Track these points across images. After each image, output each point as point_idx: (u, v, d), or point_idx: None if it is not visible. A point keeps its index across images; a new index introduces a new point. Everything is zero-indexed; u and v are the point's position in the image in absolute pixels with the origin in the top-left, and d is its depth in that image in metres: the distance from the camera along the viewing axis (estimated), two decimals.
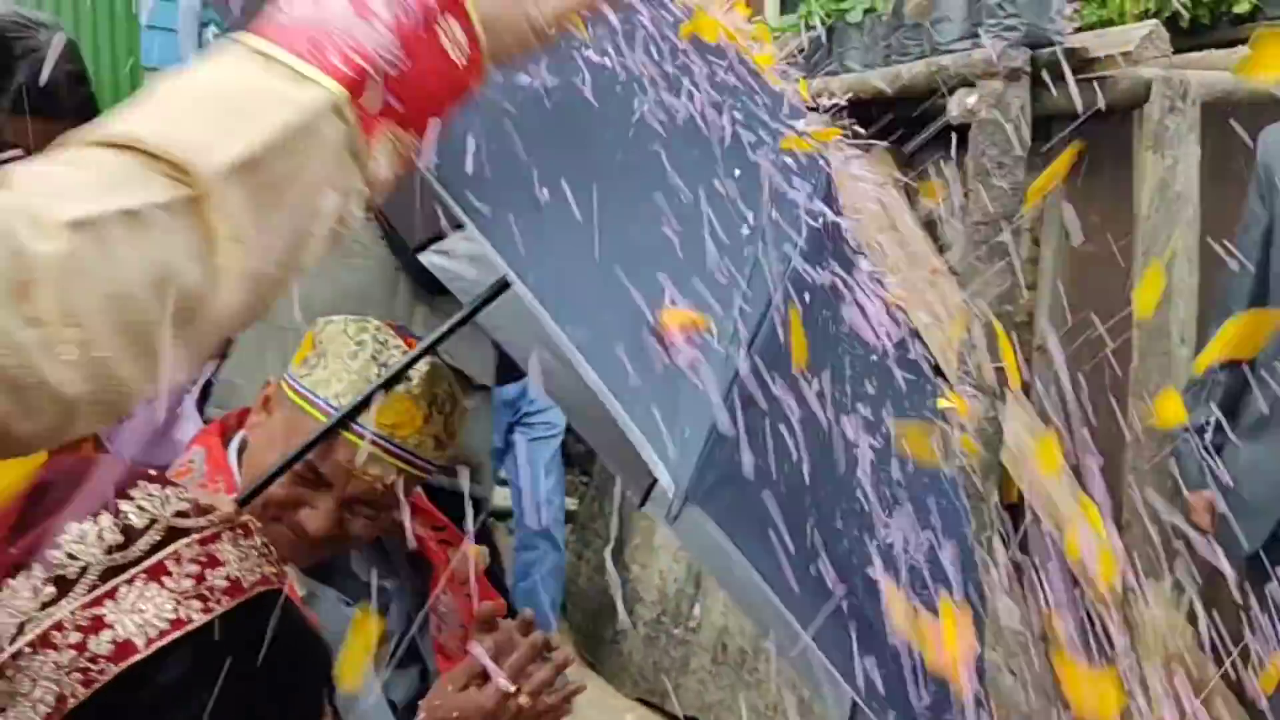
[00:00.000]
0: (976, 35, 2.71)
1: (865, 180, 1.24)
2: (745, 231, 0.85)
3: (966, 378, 2.65)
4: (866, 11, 3.25)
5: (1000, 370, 2.62)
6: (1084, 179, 3.41)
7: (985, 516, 2.55)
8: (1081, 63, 2.59)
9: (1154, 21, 2.52)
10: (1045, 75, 2.58)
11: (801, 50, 3.43)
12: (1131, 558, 2.54)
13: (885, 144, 3.71)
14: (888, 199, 3.68)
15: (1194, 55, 2.72)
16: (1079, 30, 2.91)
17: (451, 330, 1.12)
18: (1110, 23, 2.88)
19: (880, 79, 3.02)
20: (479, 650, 1.11)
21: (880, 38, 3.11)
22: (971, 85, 2.62)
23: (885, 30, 3.11)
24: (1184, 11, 2.73)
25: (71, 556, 0.74)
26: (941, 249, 4.01)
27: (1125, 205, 2.99)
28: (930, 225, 4.11)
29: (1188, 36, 2.72)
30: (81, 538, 0.75)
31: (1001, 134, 2.53)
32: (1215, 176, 2.69)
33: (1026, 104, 2.55)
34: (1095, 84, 2.66)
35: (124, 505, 0.77)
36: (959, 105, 2.62)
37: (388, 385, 1.12)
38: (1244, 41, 2.74)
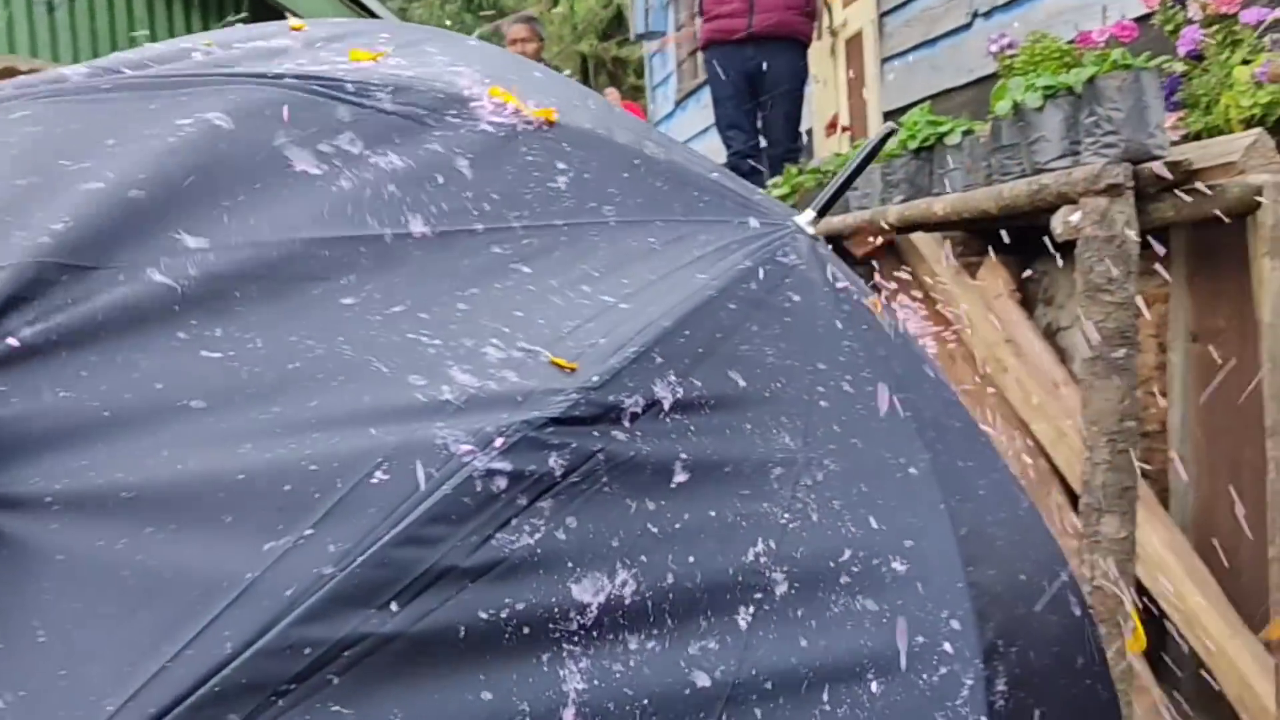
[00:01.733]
0: (1076, 153, 2.71)
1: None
2: None
3: (1090, 494, 2.58)
4: (965, 133, 3.29)
5: (1128, 490, 2.54)
6: (1205, 286, 3.33)
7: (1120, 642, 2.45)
8: (1186, 174, 2.56)
9: (1259, 130, 2.49)
10: (1150, 189, 2.57)
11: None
12: None
13: (996, 258, 3.70)
14: (1004, 311, 3.65)
15: None
16: (1185, 139, 2.89)
17: None
18: (1216, 129, 2.85)
19: (983, 199, 3.04)
20: None
21: (980, 159, 3.13)
22: (1074, 202, 2.61)
23: (984, 152, 3.13)
24: None
25: None
26: (1063, 359, 3.94)
27: (1247, 310, 2.91)
28: (1050, 335, 4.05)
29: None
30: None
31: (1109, 249, 2.51)
32: None
33: (1132, 218, 2.53)
34: (1204, 193, 2.63)
35: None
36: (1062, 223, 2.62)
37: None
38: None
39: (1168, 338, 3.53)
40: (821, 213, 1.14)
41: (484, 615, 0.74)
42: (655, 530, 0.80)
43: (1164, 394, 3.57)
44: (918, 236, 3.67)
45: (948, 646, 0.89)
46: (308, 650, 0.70)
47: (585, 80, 14.11)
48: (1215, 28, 2.90)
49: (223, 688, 0.68)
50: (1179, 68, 3.04)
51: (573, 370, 0.83)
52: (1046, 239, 2.71)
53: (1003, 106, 2.82)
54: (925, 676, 0.87)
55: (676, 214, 1.03)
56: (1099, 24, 3.53)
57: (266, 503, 0.74)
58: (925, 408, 1.03)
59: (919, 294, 3.54)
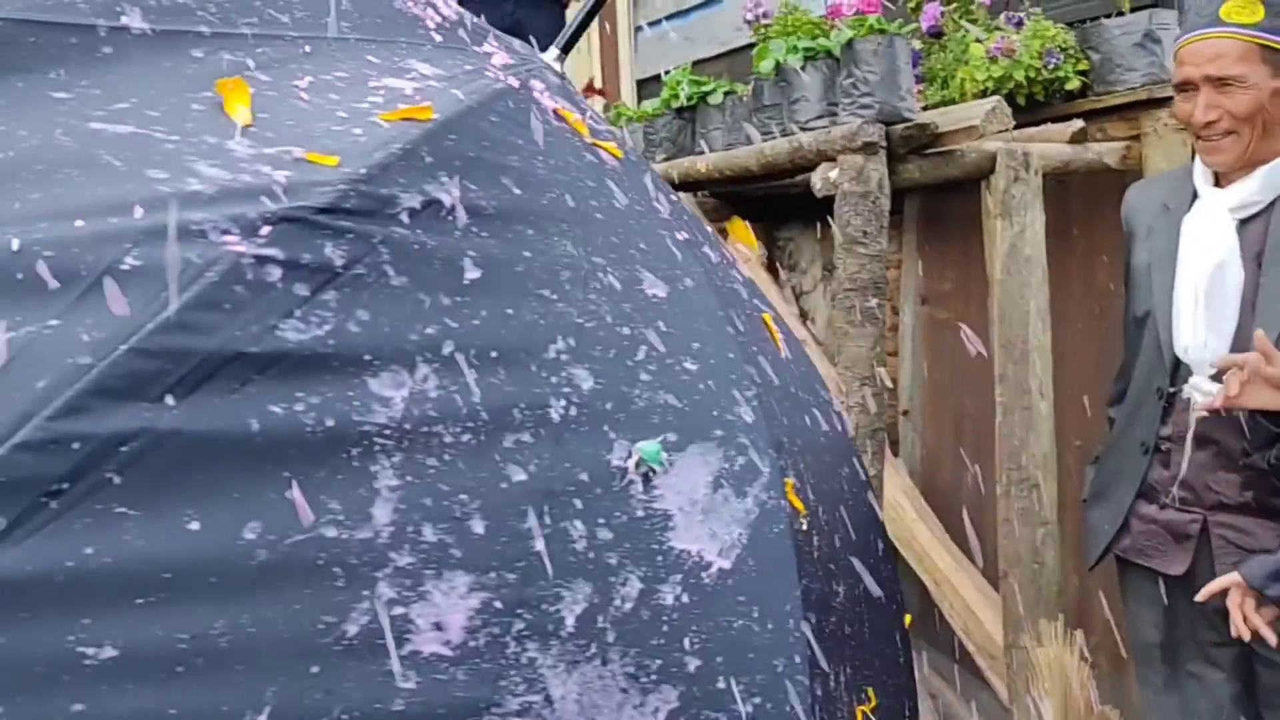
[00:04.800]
0: (834, 114, 2.85)
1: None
2: None
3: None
4: (727, 93, 3.39)
5: (877, 431, 2.70)
6: (934, 247, 3.61)
7: None
8: (932, 138, 2.75)
9: (997, 98, 2.70)
10: (900, 150, 2.74)
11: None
12: (1015, 605, 2.65)
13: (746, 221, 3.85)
14: (752, 275, 3.81)
15: (1032, 129, 2.92)
16: (924, 110, 3.10)
17: None
18: (951, 102, 3.08)
19: (745, 156, 3.15)
20: None
21: (741, 118, 3.24)
22: (832, 160, 2.75)
23: (745, 111, 3.24)
24: (1020, 90, 2.94)
25: None
26: (805, 320, 4.15)
27: (976, 271, 3.17)
28: (796, 298, 4.26)
29: (1025, 112, 2.92)
30: None
31: (865, 204, 2.66)
32: (1056, 240, 2.88)
33: (885, 176, 2.69)
34: (944, 157, 2.83)
35: None
36: (822, 179, 2.75)
37: None
38: (1075, 116, 2.96)
39: (899, 300, 3.80)
40: (565, 50, 1.19)
41: (277, 409, 0.71)
42: (454, 325, 0.80)
43: (894, 353, 3.84)
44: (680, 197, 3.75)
45: (744, 438, 0.94)
46: (75, 445, 0.65)
47: None
48: (954, 5, 3.13)
49: None
50: (917, 45, 3.26)
51: (334, 165, 0.81)
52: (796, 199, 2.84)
53: (766, 66, 2.93)
54: (728, 465, 0.92)
55: (421, 39, 1.03)
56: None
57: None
58: (688, 226, 1.07)
59: None
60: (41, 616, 0.64)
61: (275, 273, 0.74)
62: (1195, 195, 2.32)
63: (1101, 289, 3.11)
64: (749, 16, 3.61)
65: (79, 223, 0.72)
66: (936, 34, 3.18)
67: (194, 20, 0.89)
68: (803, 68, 2.86)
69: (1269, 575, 2.02)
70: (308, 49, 0.94)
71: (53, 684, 0.63)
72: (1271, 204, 2.24)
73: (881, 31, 2.70)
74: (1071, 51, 2.95)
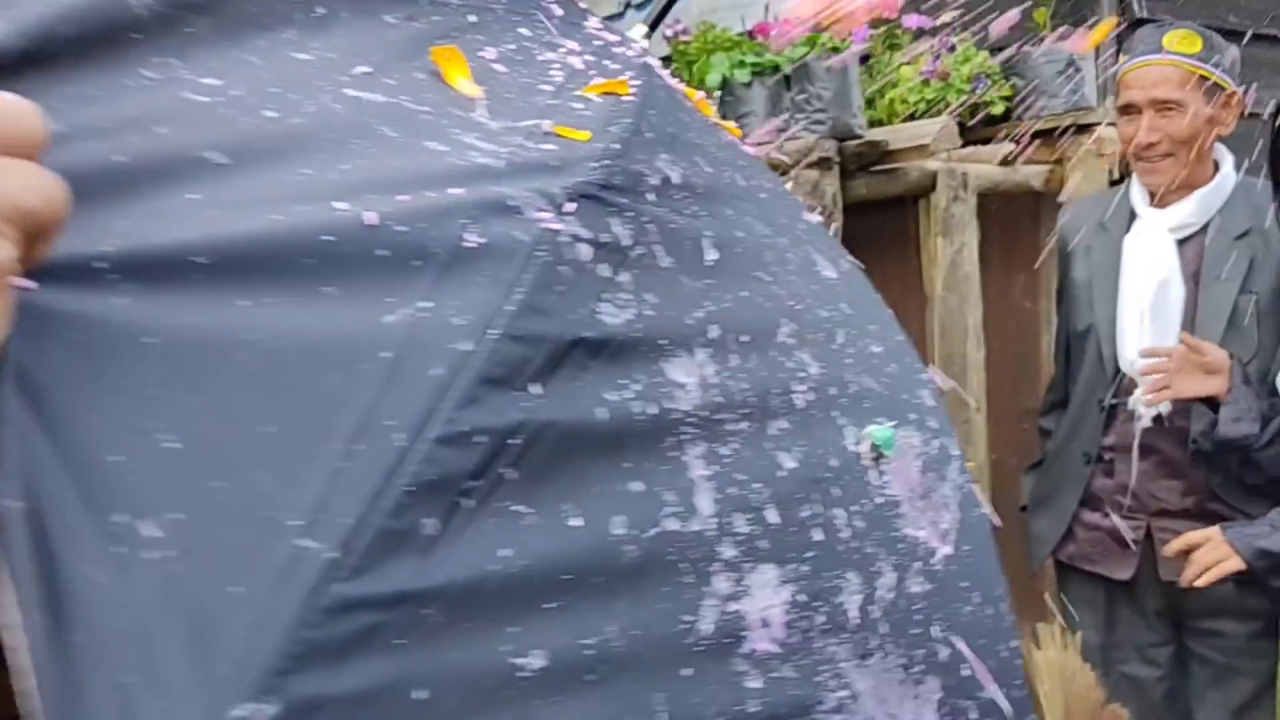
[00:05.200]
0: (783, 129, 2.86)
1: None
2: None
3: None
4: None
5: None
6: (870, 265, 3.67)
7: None
8: (881, 154, 2.80)
9: (946, 118, 2.78)
10: (851, 166, 2.78)
11: None
12: None
13: None
14: None
15: (965, 150, 3.02)
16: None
17: None
18: (879, 122, 3.15)
19: None
20: None
21: None
22: (786, 174, 2.75)
23: None
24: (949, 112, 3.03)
25: None
26: None
27: (911, 287, 3.24)
28: None
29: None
30: None
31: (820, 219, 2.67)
32: (986, 259, 2.98)
33: (838, 192, 2.71)
34: (889, 175, 2.89)
35: None
36: None
37: None
38: (1003, 139, 3.08)
39: None
40: (652, 27, 1.18)
41: (613, 397, 0.67)
42: (714, 308, 0.76)
43: None
44: None
45: (932, 421, 0.93)
46: (478, 440, 0.59)
47: None
48: (881, 29, 3.20)
49: (414, 486, 0.56)
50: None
51: (587, 140, 0.76)
52: None
53: (713, 80, 2.92)
54: (928, 450, 0.90)
55: (547, 13, 0.99)
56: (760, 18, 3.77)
57: (364, 269, 0.61)
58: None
59: None
60: (478, 626, 0.54)
61: (587, 252, 0.69)
62: (1132, 216, 2.45)
63: (1017, 307, 3.23)
64: (668, 33, 3.61)
65: (401, 197, 0.64)
66: (864, 57, 3.25)
67: None
68: (748, 84, 2.87)
69: (1258, 553, 2.13)
70: (472, 18, 0.86)
71: (497, 699, 0.54)
72: (1205, 226, 2.39)
73: (834, 50, 2.74)
74: (995, 77, 3.07)
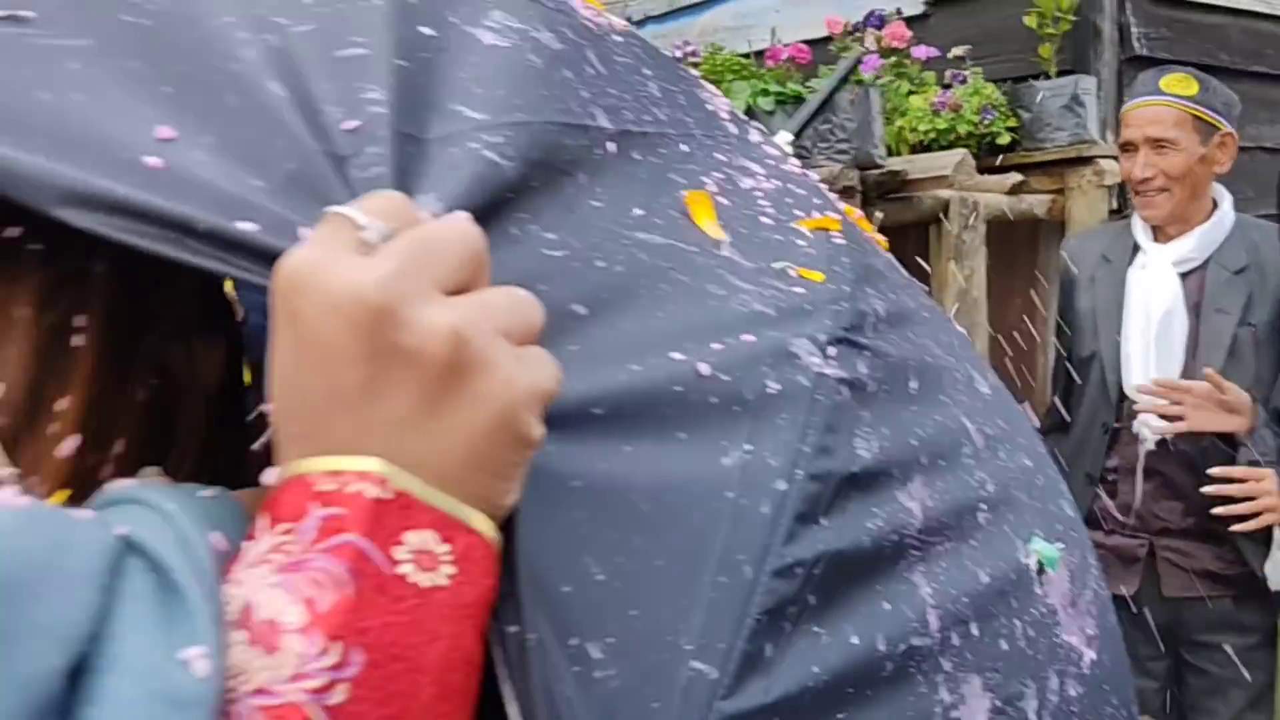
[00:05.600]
0: (804, 157, 2.96)
1: None
2: None
3: None
4: None
5: None
6: None
7: None
8: (901, 183, 2.91)
9: (963, 151, 2.89)
10: (871, 194, 2.88)
11: None
12: None
13: None
14: None
15: (973, 179, 3.15)
16: None
17: None
18: (889, 150, 3.26)
19: None
20: None
21: None
22: None
23: None
24: (959, 142, 3.15)
25: None
26: None
27: None
28: None
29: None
30: None
31: None
32: (991, 285, 3.11)
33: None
34: (904, 203, 3.00)
35: None
36: None
37: None
38: (1010, 169, 3.21)
39: None
40: (797, 135, 1.21)
41: (869, 525, 0.74)
42: (921, 435, 0.83)
43: None
44: None
45: (1073, 532, 0.99)
46: (797, 570, 0.68)
47: None
48: (891, 59, 3.31)
49: (761, 614, 0.64)
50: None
51: (821, 280, 0.82)
52: None
53: (738, 106, 3.00)
54: (1072, 559, 0.96)
55: (726, 133, 1.04)
56: (765, 41, 3.86)
57: (703, 416, 0.69)
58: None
59: None
60: None
61: (845, 393, 0.76)
62: (1135, 248, 2.60)
63: (1017, 330, 3.37)
64: (678, 54, 3.69)
65: (715, 345, 0.71)
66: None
67: (644, 123, 0.86)
68: (772, 112, 2.96)
69: None
70: (685, 148, 0.89)
71: None
72: (1206, 261, 2.55)
73: (859, 83, 2.84)
74: (1002, 109, 3.20)
